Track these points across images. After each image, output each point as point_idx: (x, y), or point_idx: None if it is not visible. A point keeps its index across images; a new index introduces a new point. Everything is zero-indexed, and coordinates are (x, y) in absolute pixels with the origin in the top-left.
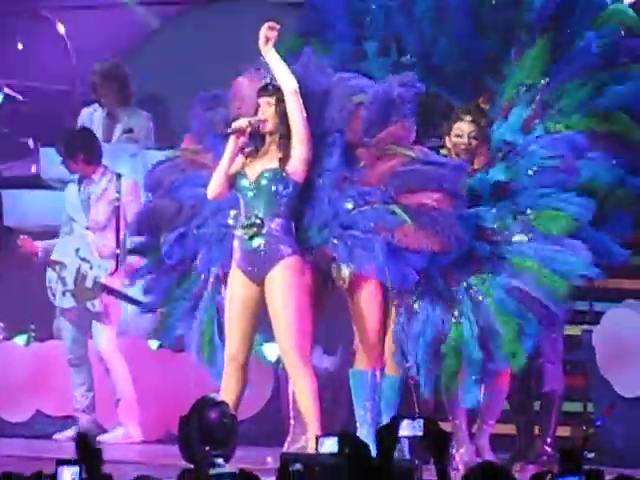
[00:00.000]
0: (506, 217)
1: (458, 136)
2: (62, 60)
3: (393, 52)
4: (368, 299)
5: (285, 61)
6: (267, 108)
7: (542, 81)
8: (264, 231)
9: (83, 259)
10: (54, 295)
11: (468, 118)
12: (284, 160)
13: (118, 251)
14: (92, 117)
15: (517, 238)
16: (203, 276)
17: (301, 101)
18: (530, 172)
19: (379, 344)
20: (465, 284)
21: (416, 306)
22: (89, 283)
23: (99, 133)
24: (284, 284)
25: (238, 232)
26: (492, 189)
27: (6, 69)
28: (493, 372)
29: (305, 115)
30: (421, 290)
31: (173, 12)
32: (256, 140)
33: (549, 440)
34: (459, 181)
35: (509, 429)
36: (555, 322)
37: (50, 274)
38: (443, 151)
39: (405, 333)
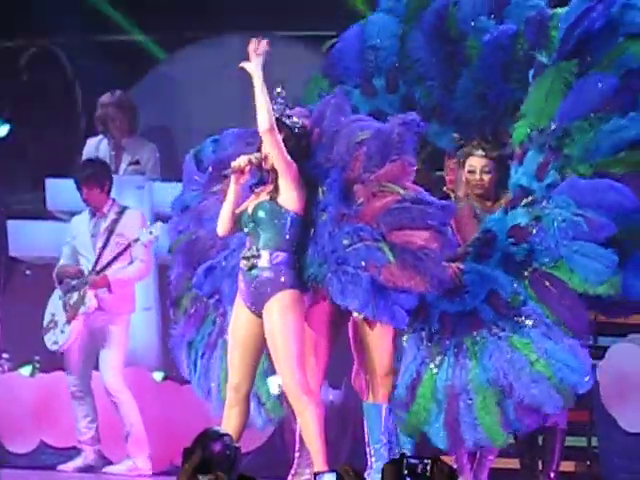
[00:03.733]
0: (521, 292)
1: (470, 172)
2: (66, 92)
3: (402, 87)
4: (382, 333)
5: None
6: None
7: (552, 125)
8: (264, 263)
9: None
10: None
11: (480, 153)
12: (274, 193)
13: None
14: (98, 147)
15: (524, 320)
16: (218, 322)
17: (277, 137)
18: (554, 224)
19: (392, 377)
20: (457, 340)
21: (404, 338)
22: (74, 297)
23: None
24: (281, 316)
25: (241, 264)
26: (510, 231)
27: (12, 100)
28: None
29: (284, 149)
30: (414, 326)
31: (178, 43)
32: (264, 176)
33: (552, 475)
34: (446, 221)
35: (511, 463)
36: (535, 423)
37: (52, 308)
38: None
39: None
